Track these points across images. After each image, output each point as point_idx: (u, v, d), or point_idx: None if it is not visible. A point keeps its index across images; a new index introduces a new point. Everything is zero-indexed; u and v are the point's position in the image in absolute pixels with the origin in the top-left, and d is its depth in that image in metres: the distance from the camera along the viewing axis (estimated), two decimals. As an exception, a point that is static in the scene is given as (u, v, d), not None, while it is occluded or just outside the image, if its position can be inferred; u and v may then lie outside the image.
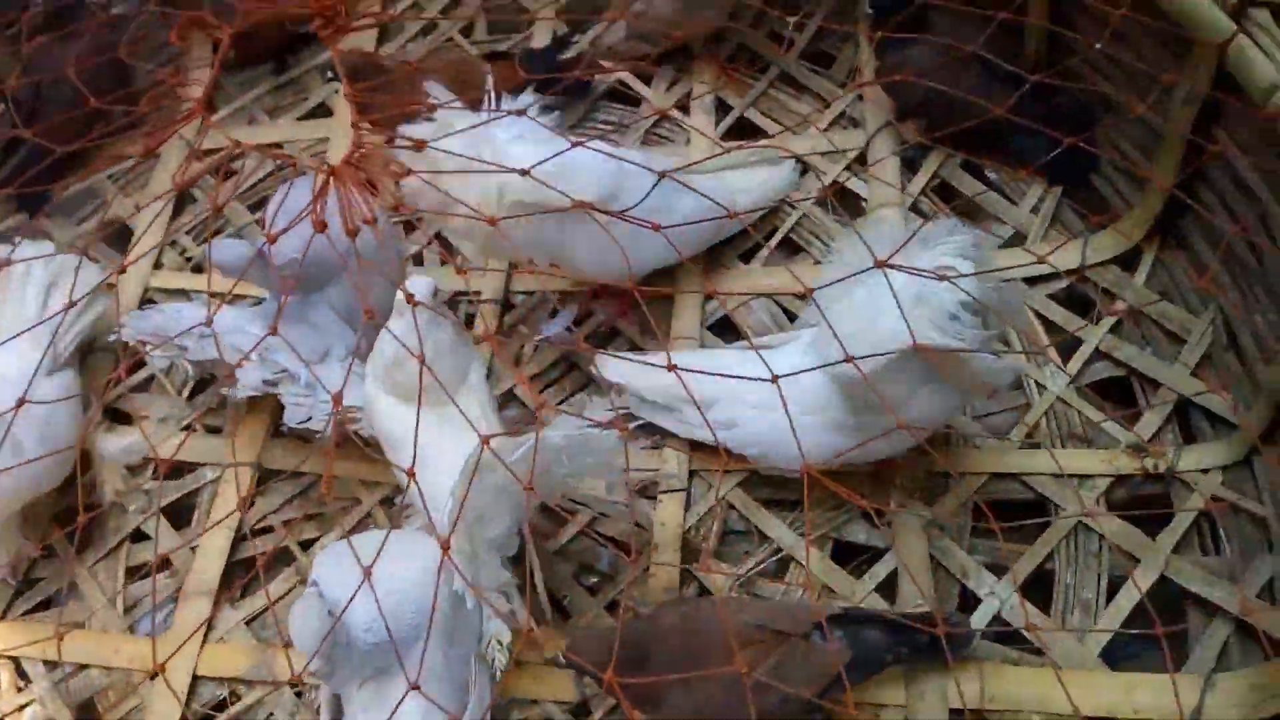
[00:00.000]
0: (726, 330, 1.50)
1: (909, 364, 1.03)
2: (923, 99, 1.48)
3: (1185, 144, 1.21)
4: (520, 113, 0.90)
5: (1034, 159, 1.50)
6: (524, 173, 0.83)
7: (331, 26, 0.84)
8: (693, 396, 0.84)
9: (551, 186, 0.83)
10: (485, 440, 0.73)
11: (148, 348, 1.33)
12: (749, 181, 1.52)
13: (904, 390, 1.08)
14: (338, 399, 0.76)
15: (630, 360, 1.34)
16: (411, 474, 0.70)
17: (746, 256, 1.55)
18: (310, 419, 1.25)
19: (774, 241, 1.54)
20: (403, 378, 0.90)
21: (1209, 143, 1.17)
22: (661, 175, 0.83)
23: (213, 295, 1.57)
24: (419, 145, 0.82)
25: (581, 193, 0.88)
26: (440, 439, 1.04)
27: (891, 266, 0.81)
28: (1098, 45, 1.05)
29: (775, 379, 0.74)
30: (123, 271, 0.88)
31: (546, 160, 0.81)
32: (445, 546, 0.67)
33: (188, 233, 1.70)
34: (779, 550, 1.27)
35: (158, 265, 1.65)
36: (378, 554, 0.83)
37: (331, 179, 0.82)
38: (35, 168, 1.58)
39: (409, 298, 0.80)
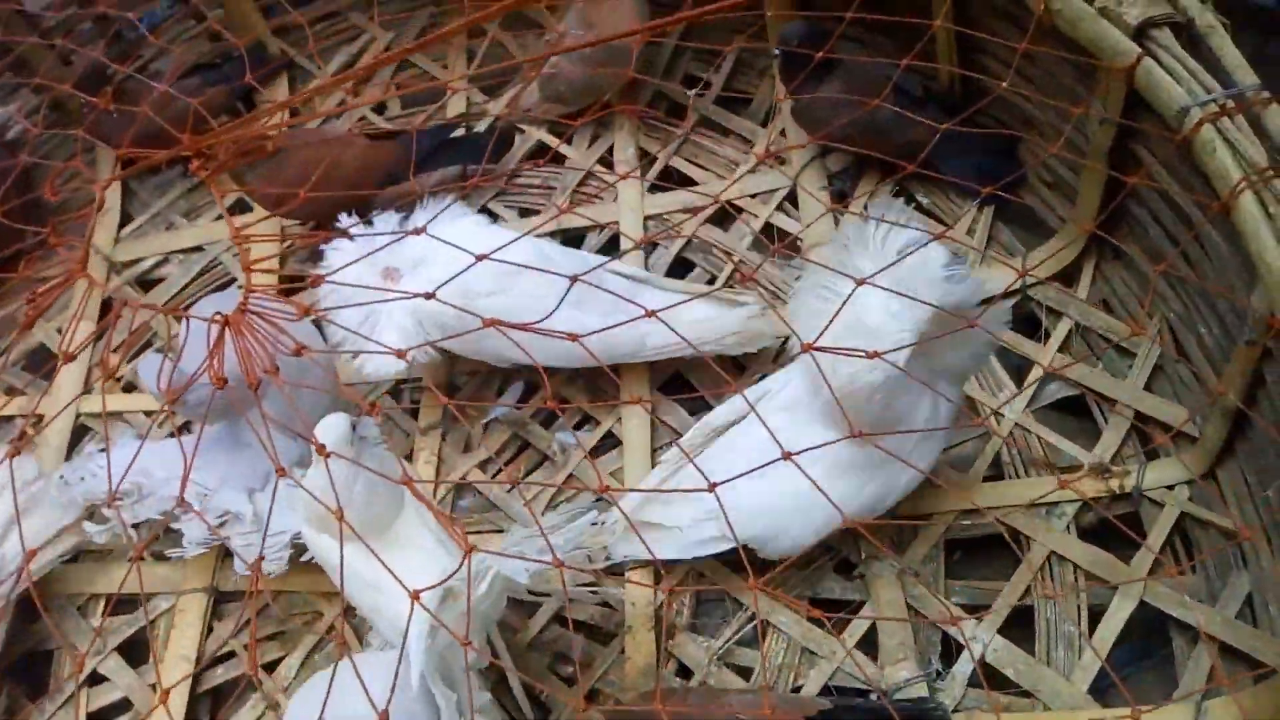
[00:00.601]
0: (681, 387, 1.47)
1: (915, 362, 1.01)
2: (842, 133, 1.46)
3: (1108, 161, 1.20)
4: (419, 231, 0.87)
5: (963, 178, 1.49)
6: (429, 296, 0.79)
7: (210, 167, 0.80)
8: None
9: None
10: (415, 595, 0.70)
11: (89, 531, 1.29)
12: (700, 314, 1.37)
13: (914, 396, 1.06)
14: (256, 567, 0.72)
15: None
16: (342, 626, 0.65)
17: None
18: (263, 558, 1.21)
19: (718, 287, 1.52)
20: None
21: (1132, 157, 1.16)
22: (573, 280, 0.80)
23: (147, 414, 1.55)
24: (315, 281, 0.79)
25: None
26: (393, 564, 1.01)
27: (819, 349, 0.78)
28: (1004, 85, 1.03)
29: (713, 487, 0.71)
30: (16, 454, 0.83)
31: (447, 283, 0.78)
32: (384, 717, 0.64)
33: (114, 350, 1.65)
34: (755, 615, 1.24)
35: (87, 390, 1.59)
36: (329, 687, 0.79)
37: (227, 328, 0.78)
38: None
39: (319, 449, 0.76)
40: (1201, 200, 0.98)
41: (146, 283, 1.74)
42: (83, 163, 1.66)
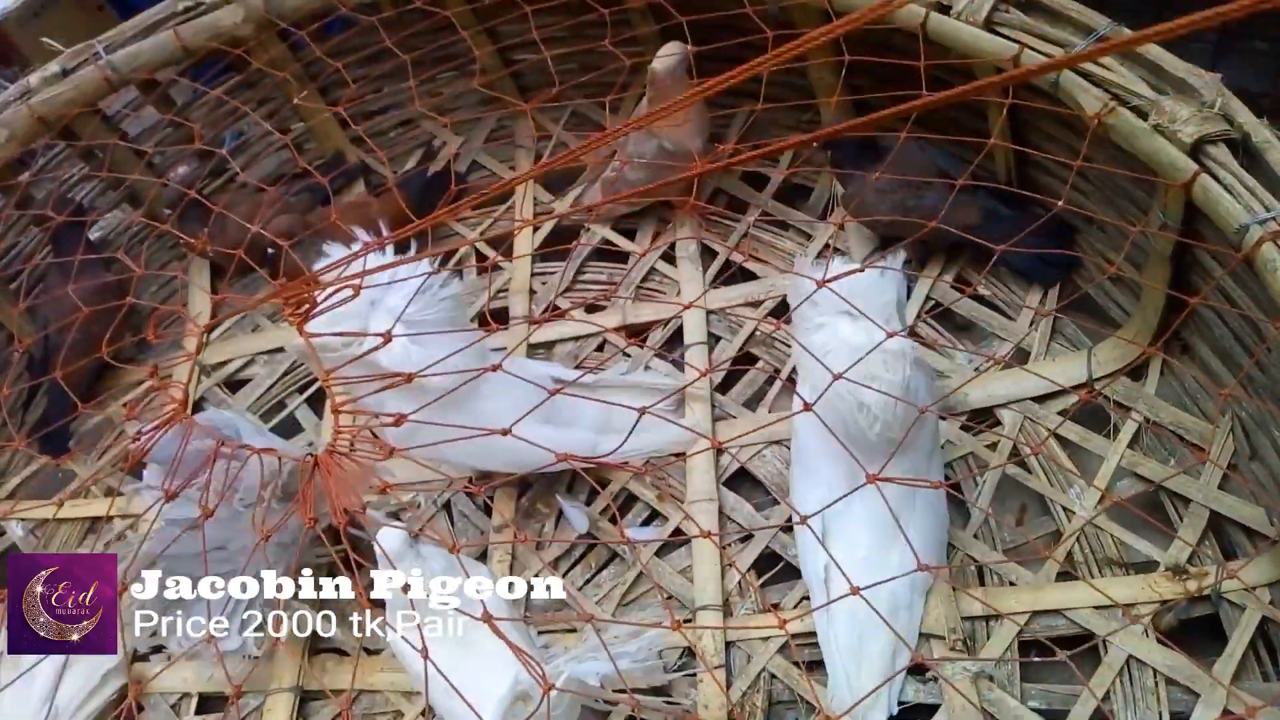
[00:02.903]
0: (743, 481, 1.49)
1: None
2: (895, 224, 1.48)
3: (1171, 262, 1.20)
4: (497, 367, 0.91)
5: (1020, 265, 1.50)
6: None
7: (301, 314, 0.86)
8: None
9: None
10: None
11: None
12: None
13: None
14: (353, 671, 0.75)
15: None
16: None
17: (752, 404, 1.55)
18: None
19: (778, 385, 1.55)
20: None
21: (1194, 261, 1.15)
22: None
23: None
24: (399, 421, 0.84)
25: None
26: (469, 667, 1.04)
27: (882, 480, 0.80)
28: (1059, 204, 1.05)
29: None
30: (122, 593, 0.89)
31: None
32: None
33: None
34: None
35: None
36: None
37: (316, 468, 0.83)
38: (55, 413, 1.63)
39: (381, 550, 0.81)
40: (1274, 325, 0.98)
41: (234, 384, 1.82)
42: (180, 275, 1.75)
